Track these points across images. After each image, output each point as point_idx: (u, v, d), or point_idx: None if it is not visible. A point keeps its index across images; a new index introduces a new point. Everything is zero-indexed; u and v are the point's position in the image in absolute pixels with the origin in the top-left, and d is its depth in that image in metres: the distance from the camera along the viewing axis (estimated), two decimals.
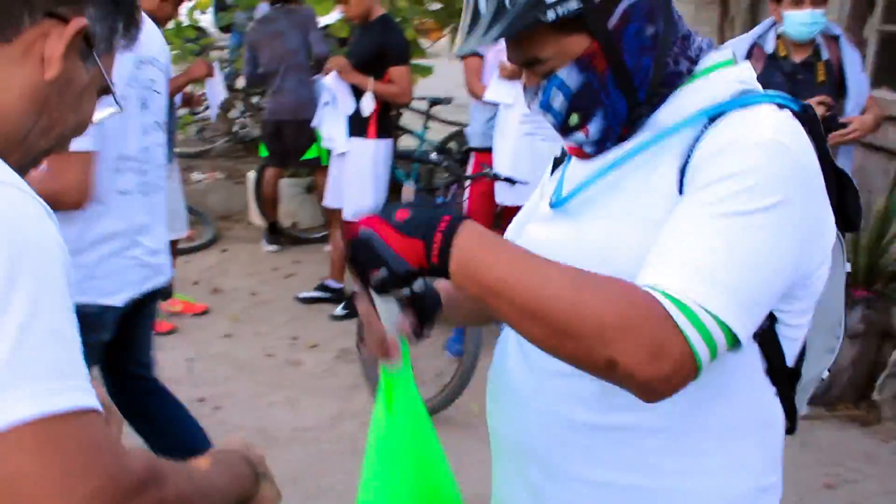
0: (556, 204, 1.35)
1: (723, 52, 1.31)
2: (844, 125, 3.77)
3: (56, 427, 0.78)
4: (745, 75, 1.28)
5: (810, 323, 1.27)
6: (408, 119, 7.34)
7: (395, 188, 6.77)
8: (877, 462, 3.87)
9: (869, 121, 3.85)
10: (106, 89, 1.07)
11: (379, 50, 5.03)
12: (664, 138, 1.23)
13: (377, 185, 5.22)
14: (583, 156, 1.33)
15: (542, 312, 1.07)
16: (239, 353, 4.79)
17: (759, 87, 1.27)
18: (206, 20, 10.60)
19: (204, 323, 5.23)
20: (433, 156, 5.60)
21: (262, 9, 6.99)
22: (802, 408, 1.40)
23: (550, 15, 1.18)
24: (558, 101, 1.27)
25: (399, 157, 5.43)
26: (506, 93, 4.61)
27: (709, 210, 1.12)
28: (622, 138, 1.29)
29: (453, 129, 7.34)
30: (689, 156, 1.19)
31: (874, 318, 4.30)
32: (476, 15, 1.24)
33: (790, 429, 1.35)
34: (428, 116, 6.88)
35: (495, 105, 4.77)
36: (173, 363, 4.55)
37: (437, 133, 7.31)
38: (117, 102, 1.12)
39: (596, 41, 1.22)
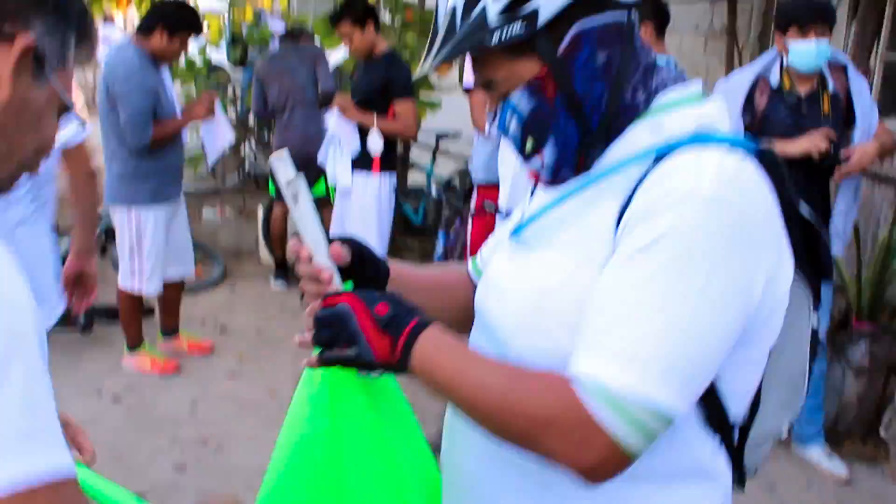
0: (512, 233, 1.36)
1: (690, 87, 1.28)
2: (848, 158, 3.71)
3: (32, 497, 0.76)
4: (708, 113, 1.24)
5: (758, 376, 1.24)
6: (416, 153, 7.37)
7: (404, 223, 6.80)
8: (885, 501, 3.81)
9: (870, 149, 3.76)
10: (64, 107, 1.03)
11: (383, 85, 5.05)
12: (609, 175, 1.22)
13: (381, 220, 5.23)
14: (544, 182, 1.32)
15: (480, 414, 1.17)
16: (244, 392, 4.78)
17: (722, 125, 1.24)
18: (221, 57, 10.71)
19: (210, 361, 5.22)
20: (434, 191, 5.62)
21: (275, 45, 7.06)
22: (758, 461, 1.37)
23: (495, 38, 1.18)
24: (513, 125, 1.27)
25: (403, 193, 5.43)
26: None
27: (635, 279, 1.11)
28: (582, 168, 1.26)
29: (460, 163, 7.37)
30: (630, 197, 1.16)
31: (879, 352, 4.23)
32: (434, 37, 1.26)
33: (740, 481, 1.33)
34: (436, 151, 6.90)
35: (498, 140, 4.77)
36: (177, 403, 4.56)
37: (445, 167, 7.33)
38: (79, 120, 1.13)
39: (546, 66, 1.21)
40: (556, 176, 1.28)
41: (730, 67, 7.10)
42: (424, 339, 1.20)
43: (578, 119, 1.23)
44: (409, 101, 5.17)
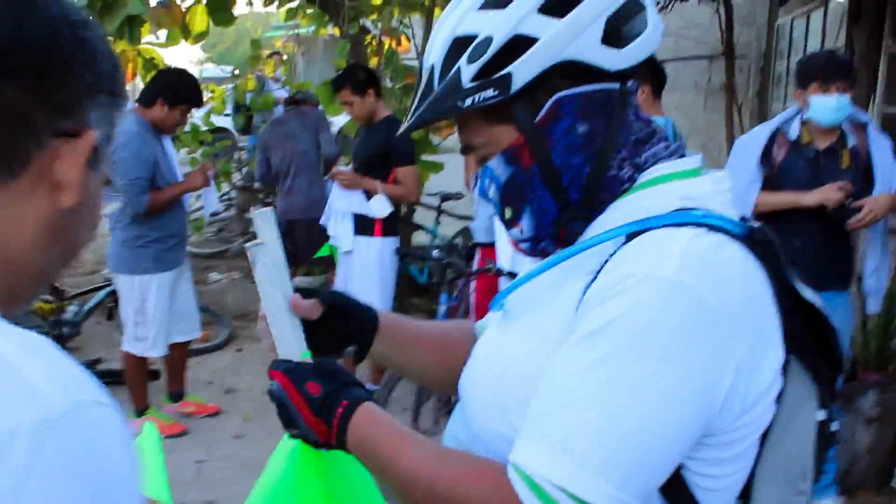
0: (494, 301, 1.31)
1: (685, 161, 1.20)
2: (859, 209, 3.71)
3: None
4: (697, 190, 1.16)
5: (740, 473, 1.12)
6: (420, 214, 7.41)
7: (410, 284, 6.81)
8: None
9: (882, 200, 3.74)
10: (107, 182, 0.96)
11: (383, 151, 5.10)
12: (581, 251, 1.15)
13: (384, 282, 5.25)
14: (524, 253, 1.27)
15: (411, 500, 1.14)
16: (250, 454, 4.75)
17: (714, 203, 1.14)
18: (227, 121, 10.84)
19: (215, 424, 5.21)
20: (436, 253, 5.64)
21: (278, 111, 7.17)
22: None
23: (468, 102, 1.14)
24: (492, 191, 1.22)
25: (404, 254, 5.45)
26: None
27: (580, 364, 1.04)
28: (565, 241, 1.20)
29: (465, 223, 7.41)
30: (595, 276, 1.09)
31: (889, 401, 4.20)
32: (414, 97, 1.22)
33: None
34: (439, 212, 6.94)
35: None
36: (181, 466, 4.53)
37: (449, 228, 7.37)
38: (118, 191, 1.12)
39: (522, 134, 1.16)
40: (536, 249, 1.24)
41: (730, 123, 7.18)
42: (356, 423, 1.18)
43: (556, 191, 1.18)
44: (411, 166, 5.22)
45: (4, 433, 0.64)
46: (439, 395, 4.39)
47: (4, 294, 0.82)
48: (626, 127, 1.18)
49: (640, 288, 1.03)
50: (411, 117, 1.21)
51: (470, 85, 1.14)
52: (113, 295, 5.86)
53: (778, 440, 1.12)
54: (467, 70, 1.14)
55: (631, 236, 1.10)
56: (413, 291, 7.05)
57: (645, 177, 1.18)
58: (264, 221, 1.33)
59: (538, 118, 1.16)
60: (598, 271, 1.09)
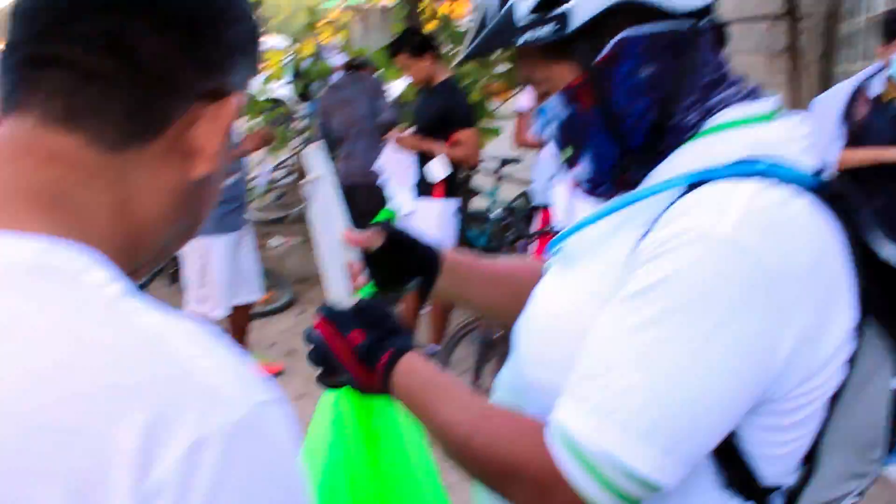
0: (551, 245, 1.26)
1: (758, 105, 1.12)
2: None
3: None
4: (770, 136, 1.07)
5: (802, 440, 1.06)
6: (479, 179, 7.41)
7: (469, 247, 6.82)
8: None
9: None
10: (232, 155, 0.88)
11: (444, 113, 5.11)
12: (638, 200, 1.09)
13: (444, 244, 5.24)
14: (584, 193, 1.22)
15: (452, 453, 1.12)
16: (311, 414, 4.81)
17: (789, 151, 1.06)
18: (284, 92, 10.90)
19: (279, 384, 5.27)
20: (496, 214, 5.64)
21: (335, 77, 7.19)
22: None
23: (522, 39, 1.10)
24: (551, 129, 1.17)
25: (467, 217, 5.46)
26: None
27: (629, 325, 0.99)
28: (625, 186, 1.15)
29: (524, 187, 7.39)
30: (652, 226, 1.03)
31: None
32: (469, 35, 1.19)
33: None
34: (498, 176, 6.93)
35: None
36: None
37: (508, 192, 7.35)
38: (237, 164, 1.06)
39: (582, 74, 1.11)
40: (595, 191, 1.19)
41: (794, 87, 7.04)
42: (399, 373, 1.17)
43: (616, 136, 1.12)
44: (471, 128, 5.22)
45: (193, 444, 0.60)
46: (500, 356, 4.40)
47: (129, 262, 0.77)
48: (696, 70, 1.11)
49: (694, 246, 0.97)
50: (466, 50, 1.17)
51: (526, 21, 1.09)
52: (175, 260, 5.96)
53: (848, 406, 1.06)
54: (521, 6, 1.10)
55: (692, 187, 1.03)
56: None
57: (713, 122, 1.10)
58: (315, 157, 1.32)
59: (599, 59, 1.10)
60: (654, 223, 1.03)
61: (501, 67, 7.42)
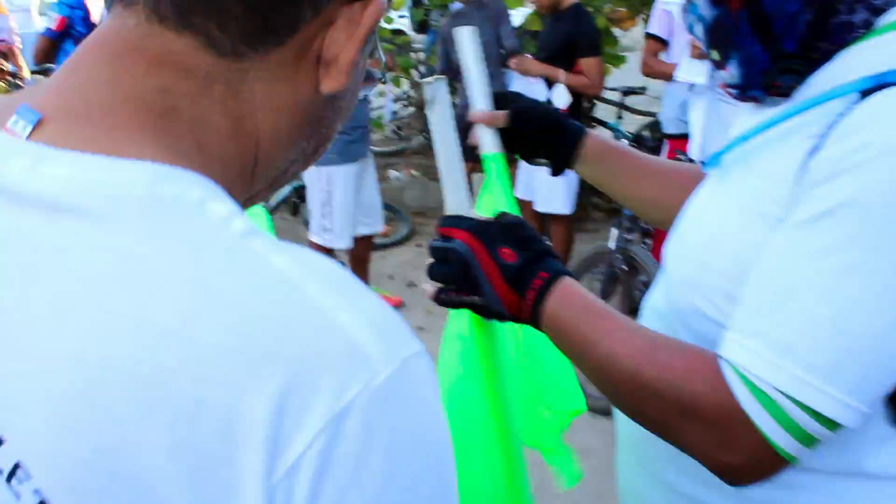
0: (710, 160, 1.15)
1: None
2: None
3: None
4: None
5: None
6: (601, 111, 7.22)
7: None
8: None
9: None
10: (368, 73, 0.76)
11: (570, 40, 4.96)
12: (805, 110, 0.97)
13: (568, 177, 5.14)
14: (733, 97, 1.12)
15: (611, 391, 1.03)
16: (431, 346, 4.74)
17: None
18: (403, 21, 10.84)
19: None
20: (624, 143, 5.48)
21: (456, 6, 7.06)
22: None
23: None
24: (698, 30, 1.09)
25: None
26: (697, 72, 4.43)
27: (807, 253, 0.90)
28: (779, 93, 1.05)
29: (647, 119, 7.17)
30: (821, 142, 0.93)
31: None
32: None
33: None
34: (622, 107, 6.73)
35: (688, 89, 4.60)
36: None
37: (631, 124, 7.15)
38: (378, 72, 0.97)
39: None
40: (744, 95, 1.10)
41: None
42: (554, 298, 1.05)
43: (766, 39, 1.02)
44: (596, 56, 5.04)
45: (335, 416, 0.52)
46: (624, 292, 4.29)
47: (244, 191, 0.67)
48: None
49: (879, 161, 0.86)
50: None
51: None
52: (297, 191, 6.01)
53: None
54: None
55: (865, 94, 0.91)
56: (594, 189, 6.90)
57: (883, 21, 0.98)
58: (435, 89, 1.25)
59: None
60: (825, 136, 0.92)
61: None
